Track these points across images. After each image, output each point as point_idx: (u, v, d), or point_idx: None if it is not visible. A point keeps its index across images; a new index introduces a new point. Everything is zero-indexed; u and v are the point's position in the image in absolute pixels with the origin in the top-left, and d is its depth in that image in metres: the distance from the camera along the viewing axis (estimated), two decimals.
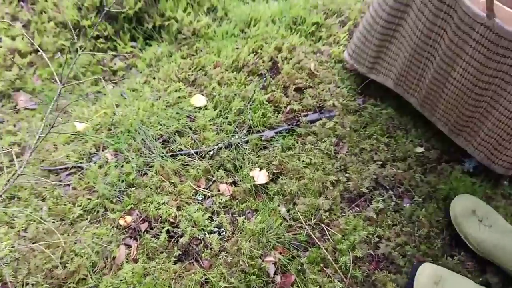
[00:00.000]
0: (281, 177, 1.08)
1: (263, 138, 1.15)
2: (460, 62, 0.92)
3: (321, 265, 0.94)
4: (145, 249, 0.96)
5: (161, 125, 1.16)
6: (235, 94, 1.22)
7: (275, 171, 1.08)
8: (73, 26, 1.41)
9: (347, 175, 1.08)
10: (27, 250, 0.94)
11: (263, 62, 1.30)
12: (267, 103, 1.21)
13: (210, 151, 1.12)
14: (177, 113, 1.19)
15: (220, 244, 0.97)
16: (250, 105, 1.20)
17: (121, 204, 1.03)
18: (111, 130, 1.17)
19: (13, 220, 1.00)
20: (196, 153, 1.12)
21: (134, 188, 1.06)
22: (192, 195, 1.05)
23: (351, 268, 0.93)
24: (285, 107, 1.21)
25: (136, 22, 1.43)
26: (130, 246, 0.97)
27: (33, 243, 0.94)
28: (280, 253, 0.95)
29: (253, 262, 0.93)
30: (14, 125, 1.22)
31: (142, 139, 1.13)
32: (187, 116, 1.19)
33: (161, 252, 0.96)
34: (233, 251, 0.95)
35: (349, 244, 0.96)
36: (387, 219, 1.01)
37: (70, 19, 1.40)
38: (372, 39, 1.10)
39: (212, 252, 0.96)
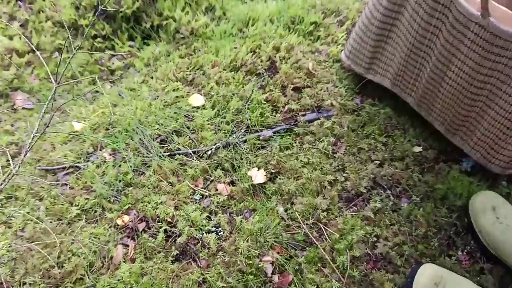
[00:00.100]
0: (279, 177, 1.07)
1: (261, 138, 1.15)
2: (455, 62, 0.92)
3: (319, 264, 0.94)
4: (143, 249, 0.96)
5: (159, 124, 1.16)
6: (233, 94, 1.22)
7: (273, 171, 1.08)
8: (71, 25, 1.41)
9: (345, 174, 1.08)
10: (24, 250, 0.94)
11: (261, 61, 1.30)
12: (265, 102, 1.21)
13: (208, 150, 1.12)
14: (175, 112, 1.18)
15: (218, 243, 0.97)
16: (248, 104, 1.20)
17: (119, 204, 1.03)
18: (108, 129, 1.17)
19: (10, 219, 1.00)
20: (194, 152, 1.12)
21: (131, 187, 1.06)
22: (190, 195, 1.05)
23: (348, 268, 0.93)
24: (283, 107, 1.21)
25: (134, 21, 1.43)
26: (128, 245, 0.97)
27: (30, 243, 0.94)
28: (278, 253, 0.95)
29: (250, 262, 0.93)
30: (12, 125, 1.22)
31: (140, 139, 1.13)
32: (185, 116, 1.19)
33: (159, 252, 0.96)
34: (231, 250, 0.95)
35: (347, 244, 0.96)
36: (384, 219, 1.01)
37: (68, 19, 1.39)
38: (368, 40, 1.10)
39: (210, 251, 0.96)
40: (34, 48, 0.77)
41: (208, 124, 1.17)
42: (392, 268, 0.94)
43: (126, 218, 1.00)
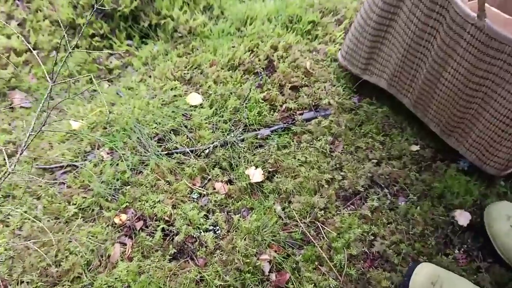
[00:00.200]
0: (276, 176, 1.08)
1: (258, 137, 1.15)
2: (451, 63, 0.92)
3: (316, 263, 0.95)
4: (140, 248, 0.96)
5: (156, 123, 1.16)
6: (231, 93, 1.22)
7: (270, 170, 1.08)
8: (68, 24, 1.40)
9: (342, 173, 1.08)
10: (22, 248, 0.94)
11: (259, 60, 1.30)
12: (262, 101, 1.21)
13: (206, 149, 1.12)
14: (173, 111, 1.18)
15: (215, 242, 0.97)
16: (246, 103, 1.20)
17: (116, 203, 1.03)
18: (106, 128, 1.17)
19: (8, 218, 1.00)
20: (192, 151, 1.12)
21: (129, 186, 1.06)
22: (188, 194, 1.05)
23: (345, 266, 0.93)
24: (281, 106, 1.21)
25: (132, 20, 1.43)
26: (125, 244, 0.97)
27: (27, 241, 0.94)
28: (275, 251, 0.95)
29: (248, 260, 0.93)
30: (9, 124, 1.22)
31: (138, 138, 1.13)
32: (183, 115, 1.19)
33: (156, 251, 0.96)
34: (228, 249, 0.95)
35: (344, 242, 0.96)
36: (382, 217, 1.01)
37: (66, 18, 1.39)
38: (364, 41, 1.10)
39: (207, 250, 0.96)
40: (30, 48, 0.77)
41: (206, 123, 1.17)
42: (389, 266, 0.95)
43: (123, 216, 1.00)
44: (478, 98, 0.94)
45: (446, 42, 0.90)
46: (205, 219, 1.01)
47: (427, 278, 0.87)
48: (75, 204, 1.02)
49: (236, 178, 1.07)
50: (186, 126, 1.17)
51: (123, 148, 1.12)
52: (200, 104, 1.22)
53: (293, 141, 1.14)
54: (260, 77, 1.27)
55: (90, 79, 1.34)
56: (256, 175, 1.07)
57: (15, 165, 0.60)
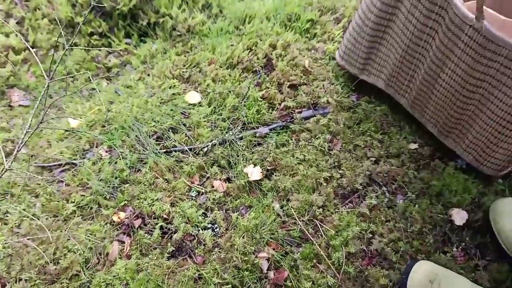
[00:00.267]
0: (275, 174, 1.08)
1: (257, 135, 1.15)
2: (449, 64, 0.92)
3: (314, 261, 0.95)
4: (139, 245, 0.96)
5: (155, 121, 1.16)
6: (230, 91, 1.22)
7: (269, 168, 1.08)
8: (67, 23, 1.40)
9: (340, 171, 1.08)
10: (20, 246, 0.94)
11: (258, 59, 1.30)
12: (261, 100, 1.21)
13: (204, 147, 1.12)
14: (171, 109, 1.18)
15: (214, 240, 0.97)
16: (245, 102, 1.20)
17: (115, 201, 1.03)
18: (105, 126, 1.17)
19: (6, 216, 1.00)
20: (190, 149, 1.12)
21: (127, 184, 1.06)
22: (186, 192, 1.05)
23: (344, 264, 0.94)
24: (279, 104, 1.21)
25: (130, 19, 1.43)
26: (124, 242, 0.97)
27: (26, 239, 0.94)
28: (274, 249, 0.96)
29: (246, 258, 0.93)
30: (8, 122, 1.22)
31: (136, 136, 1.13)
32: (181, 113, 1.19)
33: (155, 248, 0.96)
34: (227, 247, 0.95)
35: (342, 240, 0.96)
36: (380, 215, 1.01)
37: (64, 16, 1.39)
38: (362, 41, 1.10)
39: (206, 248, 0.96)
40: (28, 47, 0.77)
41: (205, 121, 1.17)
42: (387, 264, 0.95)
43: (122, 214, 1.00)
44: (475, 99, 0.94)
45: (444, 43, 0.90)
46: (203, 217, 1.01)
47: (425, 276, 0.87)
48: (73, 202, 1.02)
49: (234, 176, 1.08)
50: (184, 124, 1.17)
51: (121, 146, 1.12)
52: (199, 103, 1.22)
53: (291, 139, 1.14)
54: (259, 75, 1.27)
55: (89, 77, 1.33)
56: (254, 173, 1.07)
57: (12, 162, 0.60)
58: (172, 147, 1.13)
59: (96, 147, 1.14)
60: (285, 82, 1.24)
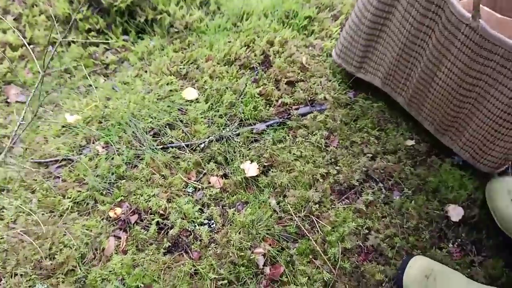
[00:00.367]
0: (271, 170, 1.08)
1: (254, 131, 1.15)
2: (445, 63, 0.92)
3: (310, 256, 0.95)
4: (135, 241, 0.96)
5: (152, 118, 1.16)
6: (227, 88, 1.22)
7: (265, 164, 1.08)
8: (64, 19, 1.40)
9: (337, 167, 1.08)
10: (16, 241, 0.94)
11: (255, 55, 1.30)
12: (258, 96, 1.21)
13: (201, 143, 1.12)
14: (168, 106, 1.18)
15: (210, 236, 0.97)
16: (242, 98, 1.20)
17: (111, 196, 1.03)
18: (101, 122, 1.17)
19: (3, 211, 0.99)
20: (187, 145, 1.12)
21: (124, 180, 1.06)
22: (183, 188, 1.05)
23: (340, 260, 0.94)
24: (277, 101, 1.21)
25: (128, 15, 1.43)
26: (120, 237, 0.97)
27: (22, 235, 0.94)
28: (270, 245, 0.96)
29: (242, 254, 0.93)
30: (5, 118, 1.21)
31: (133, 132, 1.13)
32: (178, 109, 1.19)
33: (151, 244, 0.96)
34: (223, 242, 0.95)
35: (339, 236, 0.96)
36: (376, 211, 1.01)
37: (62, 13, 1.39)
38: (359, 39, 1.10)
39: (202, 243, 0.96)
40: (25, 43, 0.77)
41: (202, 117, 1.17)
42: (383, 260, 0.95)
43: (118, 210, 1.00)
44: (471, 98, 0.94)
45: (441, 41, 0.90)
46: (200, 213, 1.01)
47: (420, 271, 0.87)
48: (70, 198, 1.02)
49: (231, 172, 1.08)
50: (181, 121, 1.17)
51: (118, 142, 1.12)
52: (196, 99, 1.22)
53: (288, 136, 1.14)
54: (256, 72, 1.27)
55: (86, 74, 1.33)
56: (251, 169, 1.07)
57: (5, 154, 0.60)
58: (169, 143, 1.13)
59: (93, 143, 1.14)
60: (282, 79, 1.24)
